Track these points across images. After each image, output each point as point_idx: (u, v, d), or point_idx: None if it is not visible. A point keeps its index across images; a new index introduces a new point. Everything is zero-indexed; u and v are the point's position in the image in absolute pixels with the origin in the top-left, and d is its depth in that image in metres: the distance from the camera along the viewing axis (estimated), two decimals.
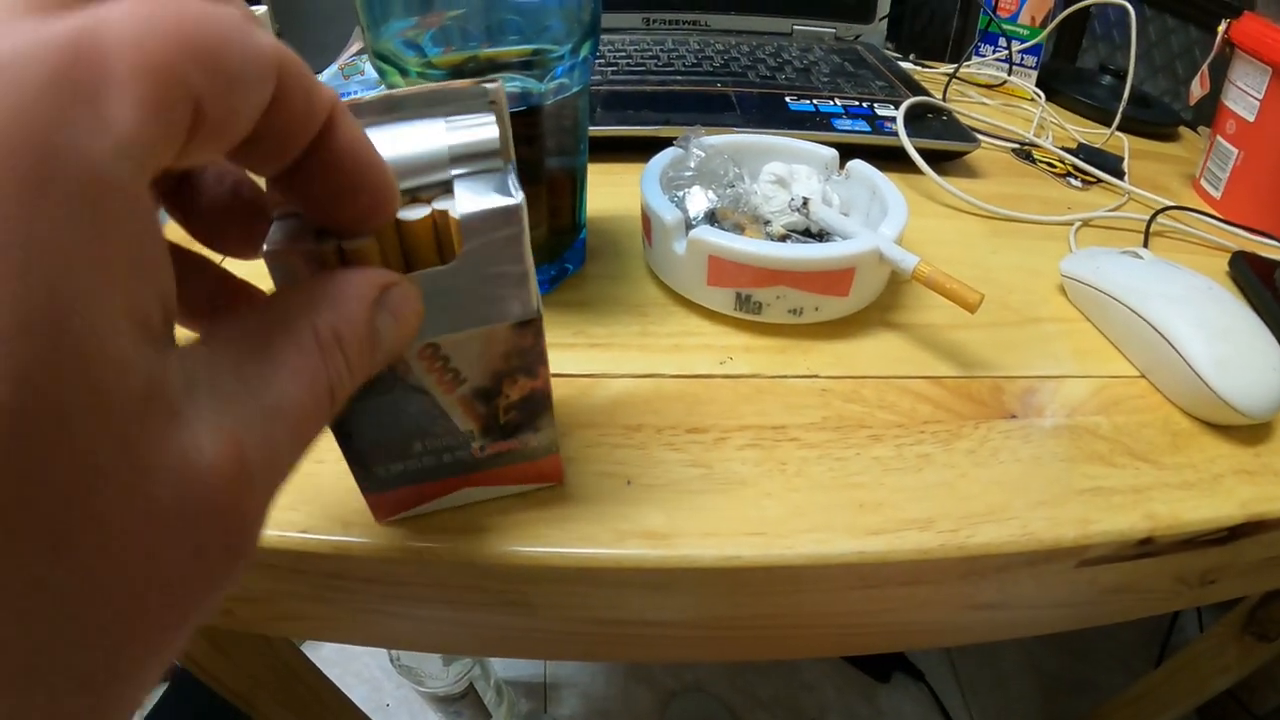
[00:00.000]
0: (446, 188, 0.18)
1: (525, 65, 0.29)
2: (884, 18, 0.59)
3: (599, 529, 0.24)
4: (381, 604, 0.29)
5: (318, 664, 0.81)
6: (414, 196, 0.18)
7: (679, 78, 0.49)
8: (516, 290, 0.18)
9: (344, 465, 0.26)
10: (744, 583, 0.25)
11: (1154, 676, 0.62)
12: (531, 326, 0.19)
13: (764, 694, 0.82)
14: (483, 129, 0.18)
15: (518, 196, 0.17)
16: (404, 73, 0.29)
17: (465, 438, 0.22)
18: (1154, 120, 0.59)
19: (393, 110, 0.18)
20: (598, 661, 0.83)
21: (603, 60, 0.52)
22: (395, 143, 0.17)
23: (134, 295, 0.10)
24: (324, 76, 0.56)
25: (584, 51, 0.30)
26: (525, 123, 0.30)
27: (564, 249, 0.35)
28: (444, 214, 0.17)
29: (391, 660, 0.75)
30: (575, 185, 0.34)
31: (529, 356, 0.20)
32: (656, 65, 0.51)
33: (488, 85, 0.18)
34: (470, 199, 0.17)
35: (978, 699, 0.83)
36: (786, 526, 0.25)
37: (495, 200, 0.17)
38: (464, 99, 0.18)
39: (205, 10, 0.10)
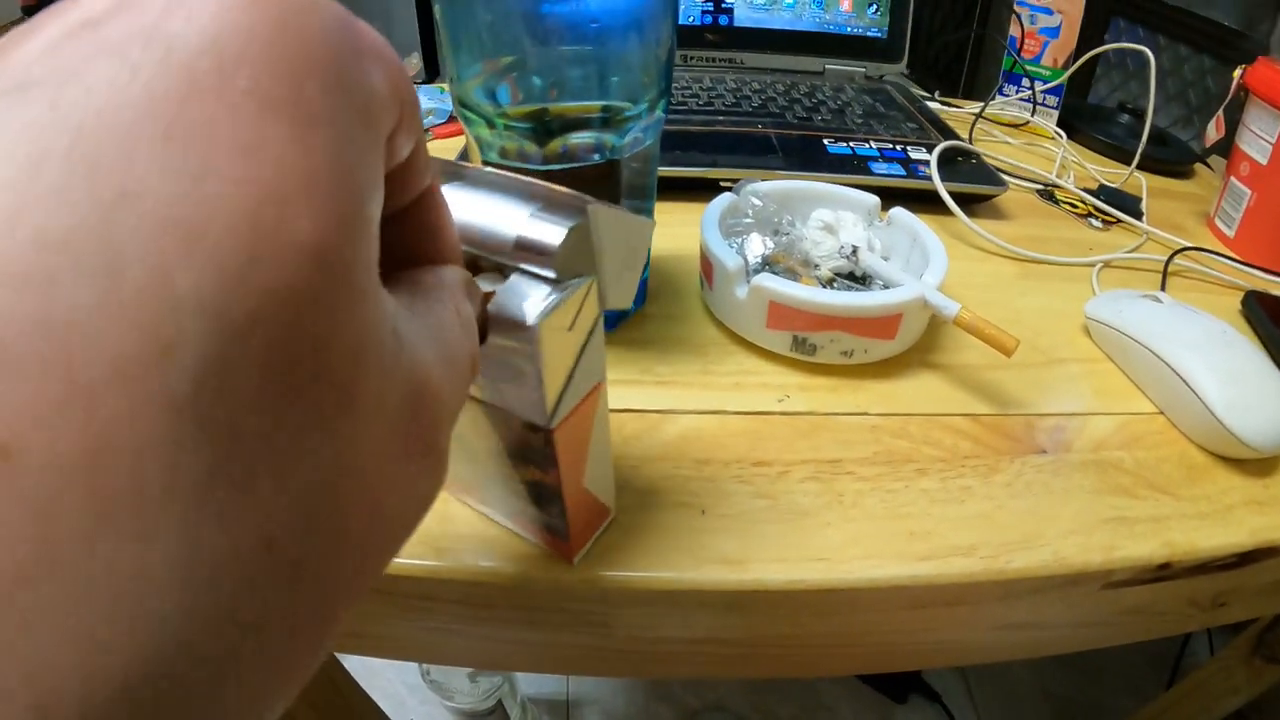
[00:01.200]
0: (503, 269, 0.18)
1: (604, 122, 0.32)
2: (913, 60, 0.62)
3: (680, 555, 0.27)
4: (461, 625, 0.31)
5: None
6: (475, 260, 0.18)
7: (720, 118, 0.52)
8: (531, 394, 0.18)
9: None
10: (807, 604, 0.28)
11: (1165, 698, 0.64)
12: (541, 435, 0.19)
13: (783, 714, 0.83)
14: (554, 231, 0.17)
15: (534, 317, 0.17)
16: (490, 123, 0.32)
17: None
18: (1171, 159, 0.62)
19: (489, 185, 0.19)
20: (651, 678, 0.84)
21: None
22: (477, 207, 0.18)
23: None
24: None
25: (659, 110, 0.33)
26: (601, 175, 0.33)
27: None
28: (484, 293, 0.17)
29: (422, 675, 0.77)
30: None
31: (539, 456, 0.20)
32: (698, 105, 0.54)
33: (589, 203, 0.18)
34: (507, 295, 0.17)
35: (992, 718, 0.84)
36: (846, 553, 0.28)
37: (516, 308, 0.17)
38: (565, 201, 0.18)
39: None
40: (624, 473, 0.30)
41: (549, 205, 0.18)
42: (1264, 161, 0.51)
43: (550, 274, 0.17)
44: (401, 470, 0.12)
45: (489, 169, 0.19)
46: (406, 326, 0.12)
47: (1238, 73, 0.54)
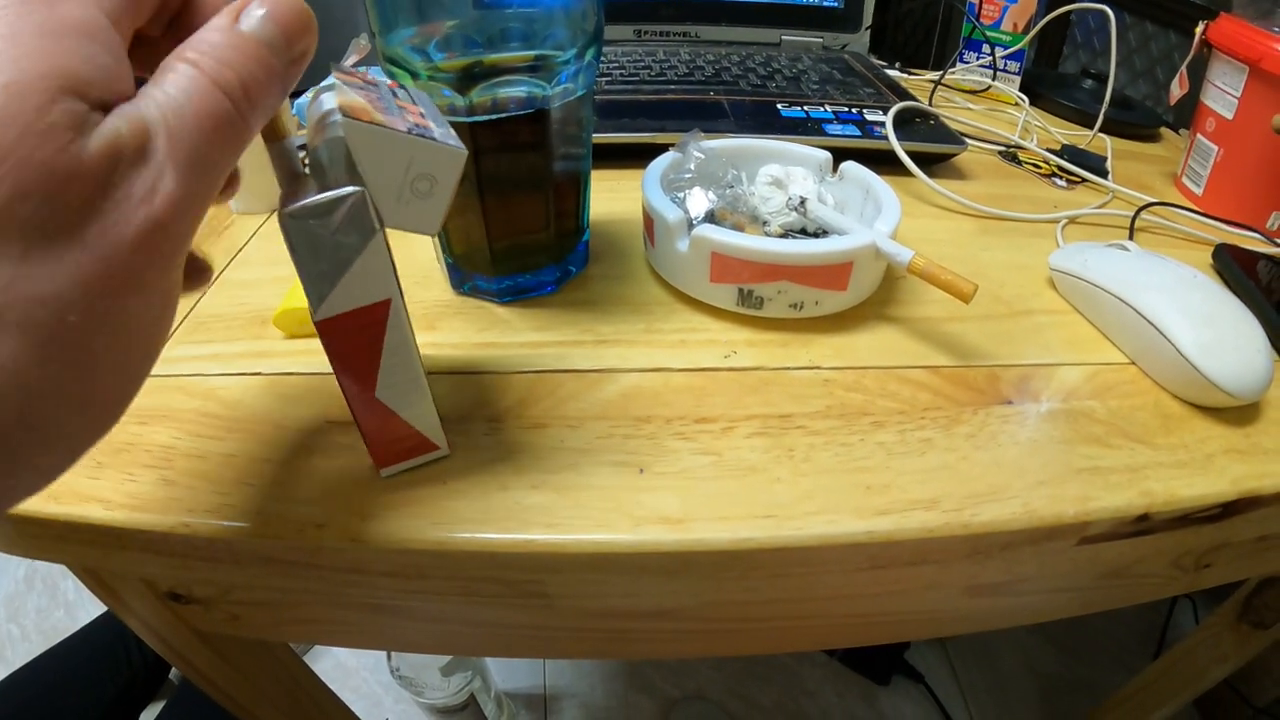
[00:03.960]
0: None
1: (531, 69, 0.30)
2: (868, 28, 0.61)
3: (616, 516, 0.25)
4: (396, 599, 0.29)
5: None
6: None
7: (672, 87, 0.51)
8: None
9: (358, 460, 0.27)
10: (757, 564, 0.25)
11: (1152, 669, 0.63)
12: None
13: (765, 701, 0.82)
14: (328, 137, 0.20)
15: (287, 209, 0.19)
16: (414, 75, 0.30)
17: None
18: (1136, 122, 0.61)
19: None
20: (609, 659, 0.82)
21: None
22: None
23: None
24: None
25: (588, 56, 0.31)
26: (532, 127, 0.31)
27: (568, 251, 0.36)
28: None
29: (391, 672, 0.74)
30: (580, 188, 0.35)
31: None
32: (650, 75, 0.52)
33: (358, 121, 0.19)
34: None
35: (977, 700, 0.83)
36: (797, 509, 0.25)
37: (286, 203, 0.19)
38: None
39: None
40: (559, 433, 0.28)
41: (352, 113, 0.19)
42: (1230, 116, 0.50)
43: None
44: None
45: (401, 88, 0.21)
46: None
47: (1199, 28, 0.53)
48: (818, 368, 0.31)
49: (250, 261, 0.39)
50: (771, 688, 0.82)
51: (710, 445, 0.28)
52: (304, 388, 0.30)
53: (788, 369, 0.31)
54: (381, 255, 0.21)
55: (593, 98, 0.33)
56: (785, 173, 0.36)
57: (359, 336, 0.22)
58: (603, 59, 0.55)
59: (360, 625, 0.32)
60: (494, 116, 0.30)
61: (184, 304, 0.35)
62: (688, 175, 0.35)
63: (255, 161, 0.43)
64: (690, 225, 0.33)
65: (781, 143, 0.39)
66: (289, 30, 0.17)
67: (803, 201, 0.34)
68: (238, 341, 0.33)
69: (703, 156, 0.35)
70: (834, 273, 0.31)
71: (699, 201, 0.34)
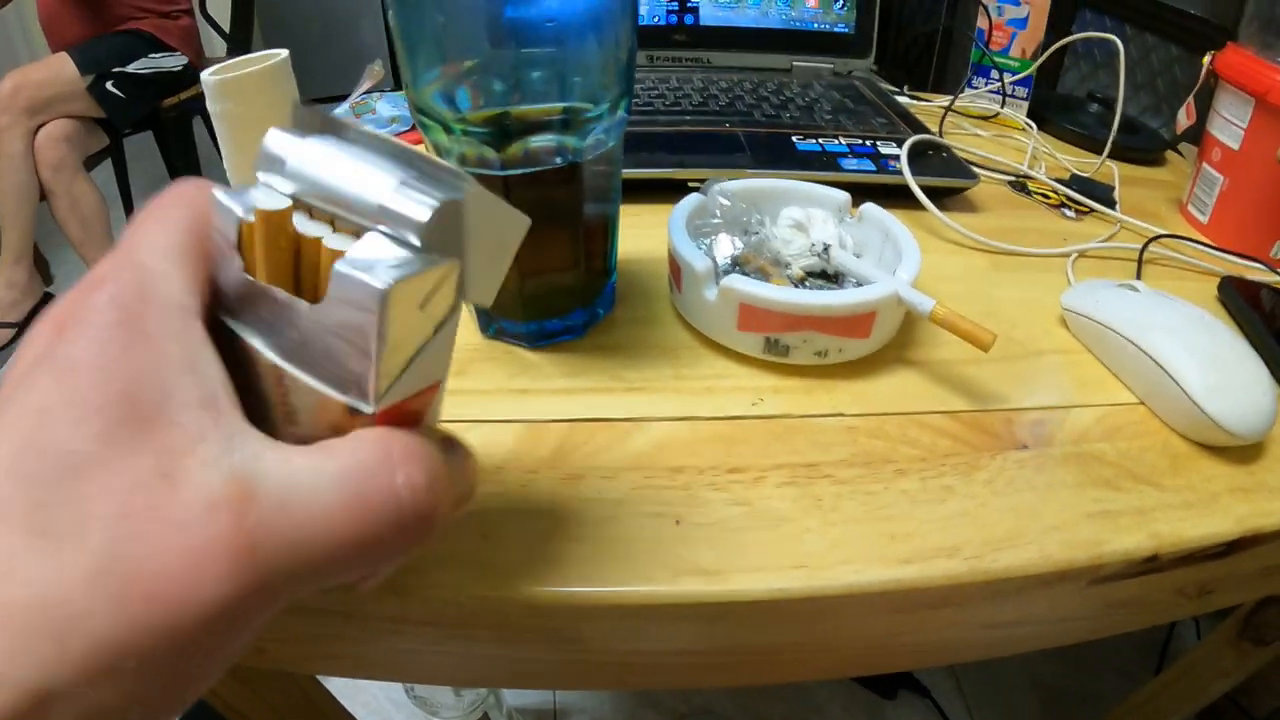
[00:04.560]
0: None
1: (565, 124, 0.31)
2: (881, 55, 0.62)
3: (654, 568, 0.26)
4: (433, 644, 0.30)
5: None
6: (332, 220, 0.17)
7: (688, 118, 0.52)
8: (358, 372, 0.16)
9: None
10: (790, 612, 0.27)
11: (1154, 684, 0.64)
12: (361, 419, 0.17)
13: (773, 715, 0.82)
14: (421, 206, 0.16)
15: (384, 282, 0.15)
16: (447, 130, 0.31)
17: None
18: (1142, 146, 0.62)
19: (366, 145, 0.17)
20: (628, 690, 0.83)
21: None
22: (344, 166, 0.16)
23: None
24: (336, 112, 0.58)
25: (620, 110, 0.32)
26: (564, 179, 0.32)
27: (596, 293, 0.37)
28: (332, 252, 0.16)
29: (406, 690, 0.75)
30: (608, 231, 0.36)
31: None
32: (664, 105, 0.53)
33: (465, 179, 0.17)
34: (358, 253, 0.16)
35: (982, 713, 0.84)
36: (826, 559, 0.27)
37: (369, 272, 0.15)
38: (442, 177, 0.17)
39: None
40: (595, 484, 0.29)
41: (423, 176, 0.16)
42: (1235, 147, 0.51)
43: (414, 242, 0.16)
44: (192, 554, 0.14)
45: (370, 130, 0.17)
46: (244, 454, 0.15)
47: (1207, 59, 0.54)
48: (841, 415, 0.33)
49: None
50: (779, 703, 0.83)
51: (742, 495, 0.29)
52: None
53: (813, 416, 0.32)
54: (454, 333, 0.19)
55: (622, 143, 0.34)
56: (806, 215, 0.38)
57: (402, 421, 0.18)
58: None
59: (387, 662, 0.32)
60: (527, 170, 0.31)
61: None
62: (715, 221, 0.36)
63: (243, 175, 0.42)
64: (717, 273, 0.34)
65: (801, 183, 0.40)
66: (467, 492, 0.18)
67: (826, 249, 0.35)
68: None
69: (728, 203, 0.36)
70: (858, 322, 0.33)
71: (725, 247, 0.35)
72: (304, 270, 0.17)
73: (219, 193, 0.17)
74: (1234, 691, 0.66)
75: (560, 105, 0.31)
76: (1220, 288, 0.46)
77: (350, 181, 0.16)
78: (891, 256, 0.37)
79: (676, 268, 0.35)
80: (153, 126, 1.52)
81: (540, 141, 0.31)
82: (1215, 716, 0.71)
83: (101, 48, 1.39)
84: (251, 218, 0.16)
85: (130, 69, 1.34)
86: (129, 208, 1.58)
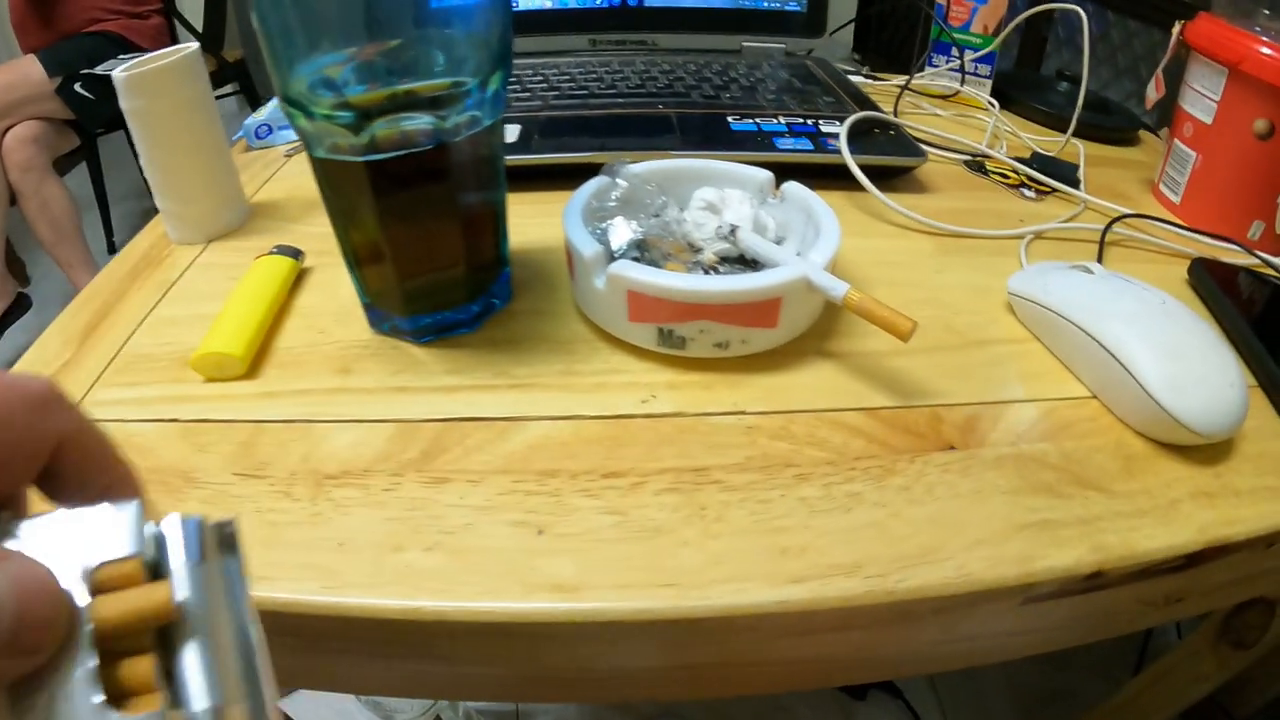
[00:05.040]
0: None
1: (433, 102, 0.28)
2: (838, 30, 0.59)
3: (508, 583, 0.23)
4: (307, 653, 0.28)
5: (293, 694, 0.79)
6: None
7: (620, 100, 0.48)
8: None
9: (260, 517, 0.26)
10: (660, 634, 0.23)
11: (1132, 686, 0.61)
12: None
13: (740, 716, 0.80)
14: None
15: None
16: (310, 116, 0.28)
17: None
18: (1113, 126, 0.58)
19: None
20: (533, 703, 0.81)
21: (544, 84, 0.51)
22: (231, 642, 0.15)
23: None
24: (268, 108, 0.55)
25: (493, 85, 0.29)
26: (435, 159, 0.29)
27: (488, 284, 0.34)
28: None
29: (356, 696, 0.73)
30: (495, 220, 0.33)
31: None
32: (599, 88, 0.50)
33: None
34: None
35: (956, 713, 0.82)
36: (702, 576, 0.23)
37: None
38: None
39: None
40: (460, 489, 0.27)
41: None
42: (1208, 120, 0.48)
43: None
44: None
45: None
46: None
47: (1176, 28, 0.51)
48: (742, 413, 0.29)
49: (181, 297, 0.38)
50: (746, 703, 0.81)
51: (616, 503, 0.26)
52: (216, 436, 0.29)
53: (709, 415, 0.29)
54: None
55: (503, 125, 0.31)
56: (720, 196, 0.34)
57: None
58: (553, 72, 0.53)
59: (289, 669, 0.30)
60: (388, 155, 0.28)
61: (111, 343, 0.34)
62: (611, 204, 0.33)
63: (193, 192, 0.41)
64: (612, 259, 0.31)
65: (720, 163, 0.37)
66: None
67: (733, 230, 0.32)
68: (158, 385, 0.32)
69: (625, 183, 0.33)
70: (761, 309, 0.29)
71: (621, 232, 0.32)
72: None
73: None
74: (1217, 691, 0.63)
75: (448, 81, 0.28)
76: (1191, 270, 0.42)
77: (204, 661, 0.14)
78: (814, 238, 0.33)
79: (570, 255, 0.32)
80: (125, 127, 1.51)
81: (410, 123, 0.28)
82: (1196, 716, 0.68)
83: (69, 49, 1.39)
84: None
85: (99, 70, 1.33)
86: (104, 209, 1.57)
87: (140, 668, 0.13)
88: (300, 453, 0.28)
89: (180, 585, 0.14)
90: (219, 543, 0.16)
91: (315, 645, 0.26)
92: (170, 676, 0.14)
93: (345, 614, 0.23)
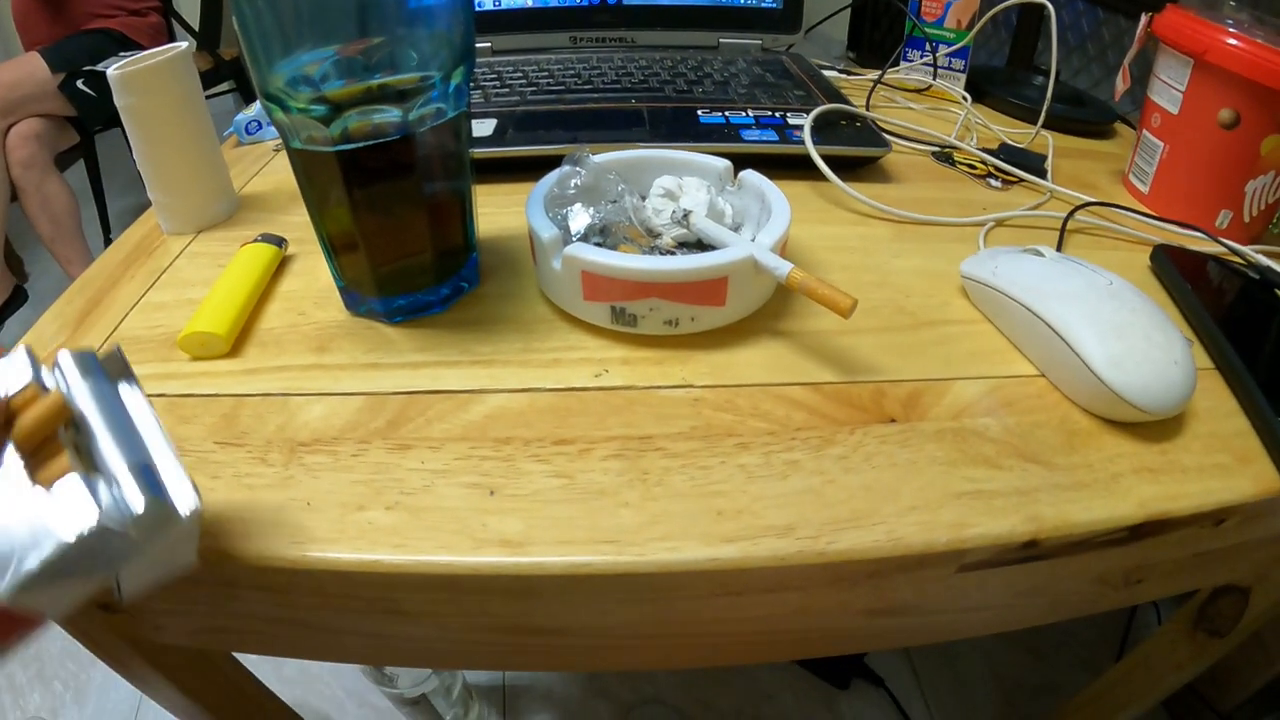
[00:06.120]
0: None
1: (400, 96, 0.30)
2: (813, 27, 0.60)
3: (459, 538, 0.25)
4: (279, 611, 0.29)
5: (279, 683, 0.81)
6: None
7: (595, 95, 0.50)
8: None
9: (238, 481, 0.27)
10: (601, 589, 0.25)
11: (1109, 675, 0.61)
12: None
13: (723, 704, 0.81)
14: (93, 516, 0.17)
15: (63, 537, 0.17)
16: (287, 110, 0.30)
17: None
18: (1087, 118, 0.59)
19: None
20: (491, 670, 0.83)
21: (523, 80, 0.53)
22: (112, 421, 0.19)
23: None
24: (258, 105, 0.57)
25: (456, 78, 0.31)
26: (402, 150, 0.31)
27: (457, 268, 0.35)
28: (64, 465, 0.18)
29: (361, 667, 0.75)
30: (462, 208, 0.35)
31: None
32: (576, 84, 0.52)
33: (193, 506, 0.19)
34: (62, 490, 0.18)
35: (939, 702, 0.82)
36: (640, 535, 0.25)
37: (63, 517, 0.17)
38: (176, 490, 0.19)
39: None
40: (421, 454, 0.28)
41: (151, 475, 0.19)
42: (1175, 111, 0.49)
43: (88, 528, 0.17)
44: None
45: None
46: None
47: (1144, 20, 0.51)
48: (689, 386, 0.31)
49: (171, 283, 0.39)
50: (730, 691, 0.82)
51: (564, 468, 0.27)
52: (200, 409, 0.31)
53: (658, 388, 0.30)
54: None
55: (469, 118, 0.32)
56: (678, 184, 0.36)
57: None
58: (532, 68, 0.55)
59: (266, 635, 0.32)
60: (358, 145, 0.30)
61: (104, 327, 0.36)
62: (571, 191, 0.34)
63: (183, 185, 0.43)
64: (567, 242, 0.32)
65: (681, 152, 0.38)
66: None
67: (686, 215, 0.34)
68: (148, 364, 0.34)
69: (584, 171, 0.34)
70: (709, 288, 0.31)
71: (580, 218, 0.34)
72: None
73: None
74: (1199, 684, 0.63)
75: (387, 78, 0.30)
76: (1153, 257, 0.43)
77: (106, 437, 0.19)
78: (768, 223, 0.35)
79: (532, 240, 0.34)
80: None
81: (380, 116, 0.30)
82: (1182, 710, 0.68)
83: (72, 46, 1.39)
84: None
85: (101, 67, 1.35)
86: (101, 206, 1.58)
87: (58, 460, 0.18)
88: (277, 423, 0.30)
89: (70, 389, 0.19)
90: (107, 364, 0.21)
91: (289, 602, 0.28)
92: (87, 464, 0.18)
93: (311, 567, 0.25)
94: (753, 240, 0.32)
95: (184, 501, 0.19)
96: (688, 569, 0.24)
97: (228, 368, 0.33)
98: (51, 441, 0.19)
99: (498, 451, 0.28)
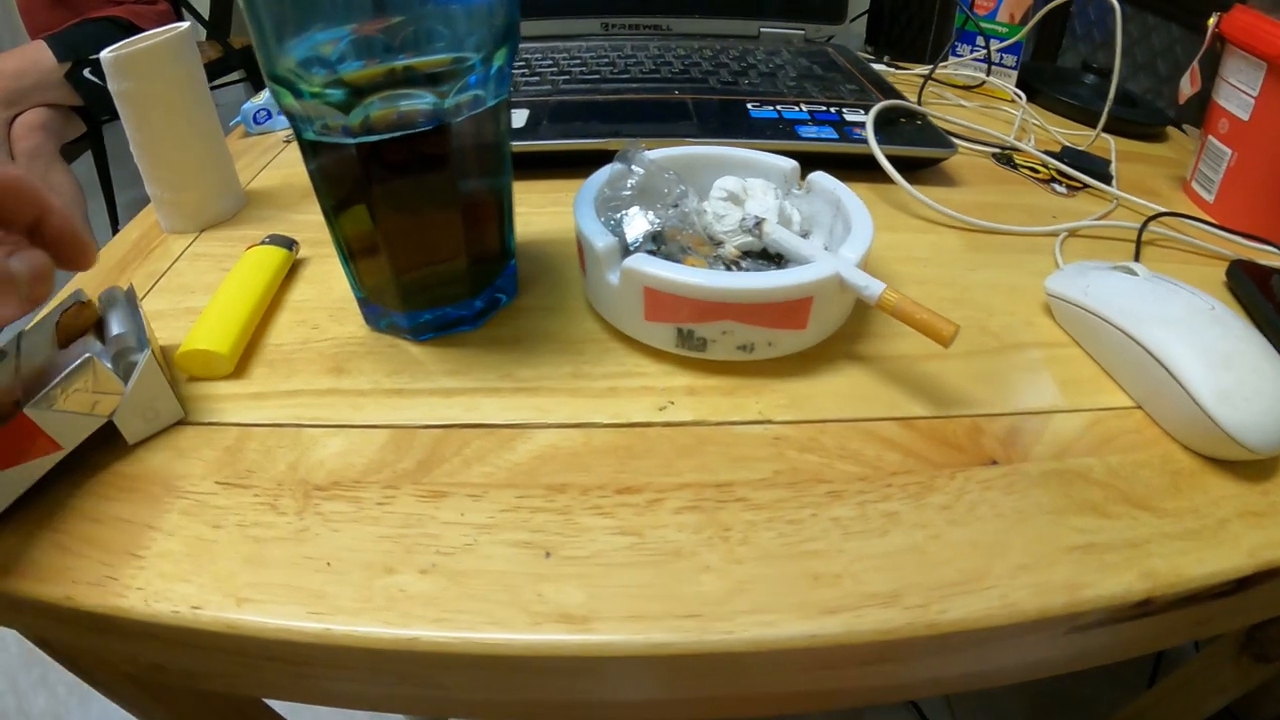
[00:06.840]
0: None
1: (431, 79, 0.26)
2: (857, 18, 0.56)
3: (511, 611, 0.21)
4: (297, 675, 0.26)
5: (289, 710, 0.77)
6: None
7: (634, 86, 0.46)
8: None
9: (241, 530, 0.23)
10: (677, 669, 0.21)
11: (1147, 697, 0.60)
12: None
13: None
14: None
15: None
16: (298, 95, 0.26)
17: None
18: (1141, 120, 0.56)
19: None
20: None
21: (554, 68, 0.48)
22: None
23: None
24: (267, 93, 0.53)
25: (498, 61, 0.27)
26: (434, 142, 0.27)
27: (492, 278, 0.31)
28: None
29: None
30: (500, 209, 0.31)
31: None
32: (612, 73, 0.48)
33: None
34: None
35: (966, 715, 0.80)
36: (726, 607, 0.21)
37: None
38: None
39: None
40: (460, 503, 0.24)
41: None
42: (1245, 117, 0.45)
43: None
44: None
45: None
46: None
47: (1212, 21, 0.48)
48: (768, 422, 0.27)
49: (169, 289, 0.35)
50: None
51: (631, 522, 0.23)
52: (199, 440, 0.27)
53: (732, 424, 0.27)
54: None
55: (509, 106, 0.28)
56: (742, 186, 0.32)
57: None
58: (563, 56, 0.51)
59: (284, 689, 0.28)
60: (383, 137, 0.26)
61: None
62: (626, 193, 0.30)
63: (184, 179, 0.39)
64: (626, 252, 0.28)
65: (742, 150, 0.34)
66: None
67: (759, 223, 0.30)
68: None
69: (642, 171, 0.30)
70: (790, 310, 0.27)
71: (637, 224, 0.30)
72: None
73: None
74: (1234, 706, 0.61)
75: (448, 57, 0.26)
76: (1229, 273, 0.40)
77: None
78: (843, 233, 0.31)
79: (581, 247, 0.30)
80: None
81: (408, 103, 0.26)
82: None
83: (78, 34, 1.35)
84: None
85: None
86: (109, 196, 1.54)
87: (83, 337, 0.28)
88: (288, 461, 0.26)
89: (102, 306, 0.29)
90: (127, 296, 0.30)
91: (303, 671, 0.24)
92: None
93: (333, 643, 0.21)
94: (825, 249, 0.29)
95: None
96: (783, 647, 0.21)
97: (231, 390, 0.29)
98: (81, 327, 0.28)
99: (551, 502, 0.24)
